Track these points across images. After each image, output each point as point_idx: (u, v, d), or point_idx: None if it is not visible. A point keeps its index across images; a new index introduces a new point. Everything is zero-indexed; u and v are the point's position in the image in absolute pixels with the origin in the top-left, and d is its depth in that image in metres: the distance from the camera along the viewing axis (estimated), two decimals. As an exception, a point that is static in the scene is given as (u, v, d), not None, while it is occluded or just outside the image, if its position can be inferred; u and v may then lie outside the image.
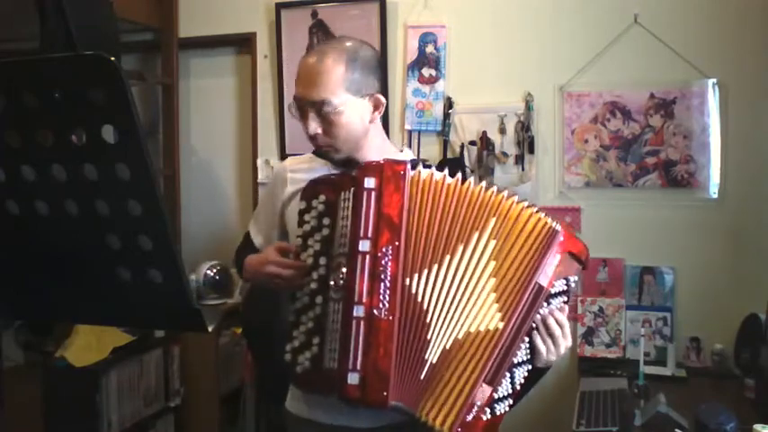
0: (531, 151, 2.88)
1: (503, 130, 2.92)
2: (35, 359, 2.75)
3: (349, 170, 1.42)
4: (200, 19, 3.33)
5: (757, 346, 2.31)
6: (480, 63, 2.97)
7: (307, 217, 1.38)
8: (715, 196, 2.71)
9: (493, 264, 1.29)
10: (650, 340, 2.73)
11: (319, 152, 1.55)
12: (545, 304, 1.31)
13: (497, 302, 1.29)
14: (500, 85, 2.93)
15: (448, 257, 1.29)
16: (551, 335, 1.31)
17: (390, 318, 1.28)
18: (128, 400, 2.77)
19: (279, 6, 3.18)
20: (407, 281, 1.29)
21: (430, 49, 3.01)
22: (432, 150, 3.01)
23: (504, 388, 1.30)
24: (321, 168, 1.51)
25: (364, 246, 1.29)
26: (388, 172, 1.31)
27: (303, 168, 1.54)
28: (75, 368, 2.59)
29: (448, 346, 1.29)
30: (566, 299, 1.34)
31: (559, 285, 1.32)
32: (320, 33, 3.13)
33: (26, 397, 2.51)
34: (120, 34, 2.85)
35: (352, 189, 1.33)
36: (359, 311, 1.28)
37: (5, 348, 2.62)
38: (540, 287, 1.29)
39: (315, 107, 1.41)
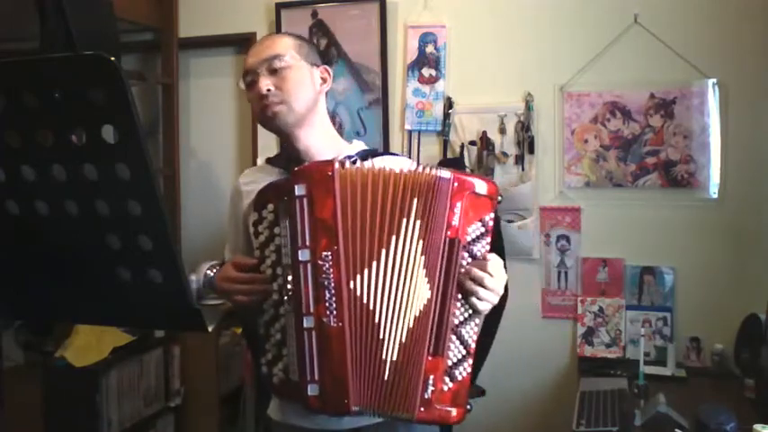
0: (531, 151, 2.88)
1: (503, 130, 2.92)
2: (35, 359, 2.75)
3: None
4: (200, 19, 3.33)
5: (757, 346, 2.31)
6: (480, 63, 2.96)
7: (260, 228, 1.37)
8: (715, 196, 2.71)
9: (422, 243, 1.28)
10: (650, 340, 2.73)
11: (271, 159, 1.58)
12: (465, 254, 1.28)
13: (426, 276, 1.28)
14: (500, 85, 2.93)
15: (384, 251, 1.28)
16: (479, 283, 1.28)
17: (340, 324, 1.27)
18: (128, 400, 2.77)
19: (279, 6, 3.18)
20: (351, 284, 1.28)
21: (430, 49, 3.01)
22: (432, 150, 3.01)
23: (456, 352, 1.29)
24: (273, 177, 1.48)
25: (304, 255, 1.28)
26: (317, 176, 1.29)
27: (255, 179, 1.52)
28: (76, 368, 2.59)
29: (404, 340, 1.28)
30: (487, 240, 1.31)
31: (474, 230, 1.29)
32: (320, 33, 3.13)
33: (26, 397, 2.51)
34: (120, 34, 2.84)
35: (286, 198, 1.31)
36: (309, 322, 1.27)
37: (5, 348, 2.61)
38: (452, 240, 1.27)
39: (266, 65, 1.45)
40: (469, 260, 1.29)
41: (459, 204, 1.27)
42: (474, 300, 1.29)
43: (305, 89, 1.46)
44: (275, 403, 1.54)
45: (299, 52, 1.48)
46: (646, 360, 2.46)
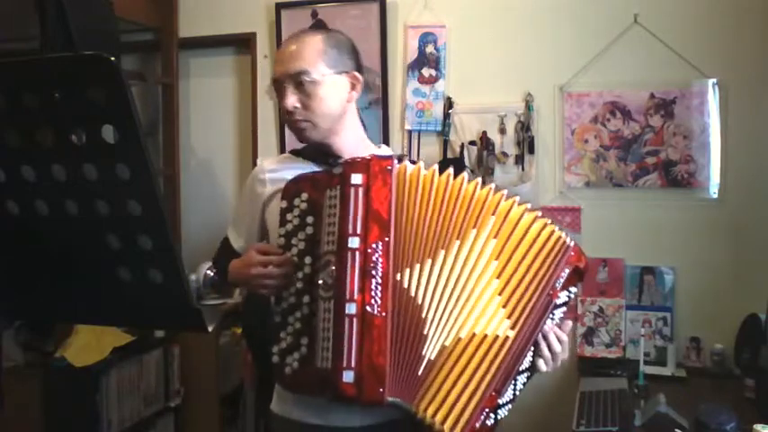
0: (531, 151, 2.88)
1: (503, 130, 2.92)
2: (35, 359, 2.75)
3: (331, 168, 1.41)
4: (200, 19, 3.33)
5: (757, 346, 2.31)
6: (480, 63, 2.96)
7: (289, 216, 1.37)
8: (715, 196, 2.71)
9: (495, 263, 1.28)
10: (650, 340, 2.72)
11: (297, 150, 1.57)
12: (551, 315, 1.31)
13: (504, 307, 1.28)
14: (500, 85, 2.93)
15: (442, 252, 1.28)
16: (552, 350, 1.33)
17: (383, 314, 1.27)
18: (128, 400, 2.77)
19: (279, 6, 3.18)
20: (398, 276, 1.28)
21: (430, 49, 3.01)
22: (432, 150, 3.01)
23: (508, 394, 1.31)
24: (301, 167, 1.50)
25: (353, 242, 1.28)
26: (375, 168, 1.31)
27: (282, 168, 1.53)
28: (76, 368, 2.59)
29: (447, 343, 1.28)
30: (565, 309, 1.35)
31: (563, 297, 1.33)
32: (320, 33, 3.13)
33: (26, 397, 2.51)
34: (120, 34, 2.84)
35: (339, 186, 1.32)
36: (351, 309, 1.26)
37: (5, 348, 2.61)
38: (551, 299, 1.30)
39: (293, 80, 1.44)
40: (551, 324, 1.33)
41: (566, 272, 1.31)
42: (540, 363, 1.33)
43: (331, 104, 1.47)
44: (282, 398, 1.51)
45: (326, 63, 1.45)
46: (646, 360, 2.47)
